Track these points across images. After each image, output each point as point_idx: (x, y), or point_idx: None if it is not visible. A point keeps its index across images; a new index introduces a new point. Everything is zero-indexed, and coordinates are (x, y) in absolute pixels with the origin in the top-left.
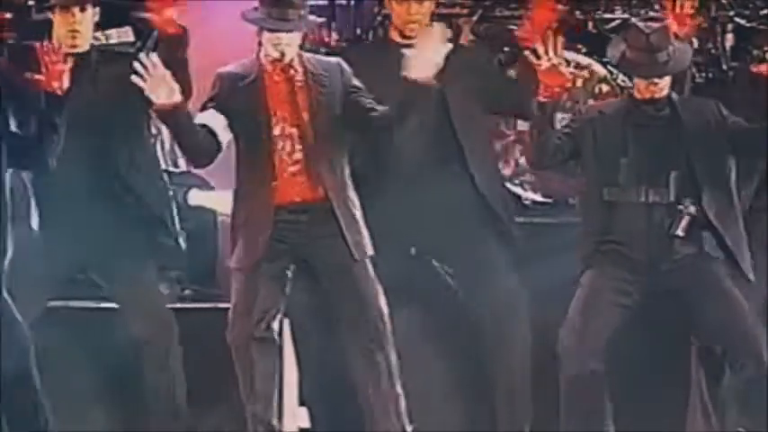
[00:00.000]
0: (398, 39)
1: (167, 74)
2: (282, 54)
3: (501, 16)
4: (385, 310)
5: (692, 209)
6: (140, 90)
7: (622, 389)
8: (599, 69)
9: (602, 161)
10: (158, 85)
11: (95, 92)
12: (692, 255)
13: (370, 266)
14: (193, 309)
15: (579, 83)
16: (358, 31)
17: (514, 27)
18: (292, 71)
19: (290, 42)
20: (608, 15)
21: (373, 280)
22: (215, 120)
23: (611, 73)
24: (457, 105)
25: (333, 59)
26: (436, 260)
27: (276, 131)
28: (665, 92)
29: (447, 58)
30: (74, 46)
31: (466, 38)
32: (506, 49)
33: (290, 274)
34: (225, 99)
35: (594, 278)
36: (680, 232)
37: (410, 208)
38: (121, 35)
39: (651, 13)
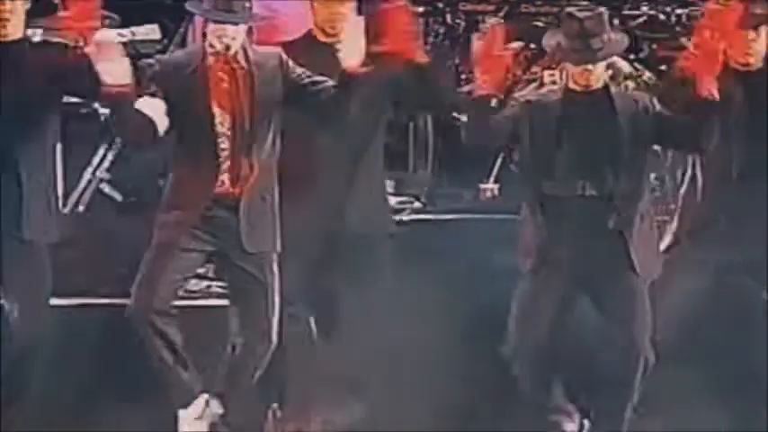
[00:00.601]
0: (323, 37)
1: (121, 53)
2: (227, 47)
3: (527, 13)
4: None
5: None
6: (62, 83)
7: None
8: (624, 66)
9: (538, 152)
10: (111, 65)
11: (18, 81)
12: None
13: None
14: None
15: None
16: None
17: (540, 23)
18: (235, 63)
19: (235, 35)
20: (634, 12)
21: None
22: (153, 106)
23: (636, 69)
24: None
25: (273, 50)
26: None
27: (215, 122)
28: (600, 82)
29: None
30: (3, 35)
31: None
32: (532, 45)
33: (203, 258)
34: (164, 86)
35: (534, 273)
36: (613, 225)
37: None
38: (149, 33)
39: (677, 10)
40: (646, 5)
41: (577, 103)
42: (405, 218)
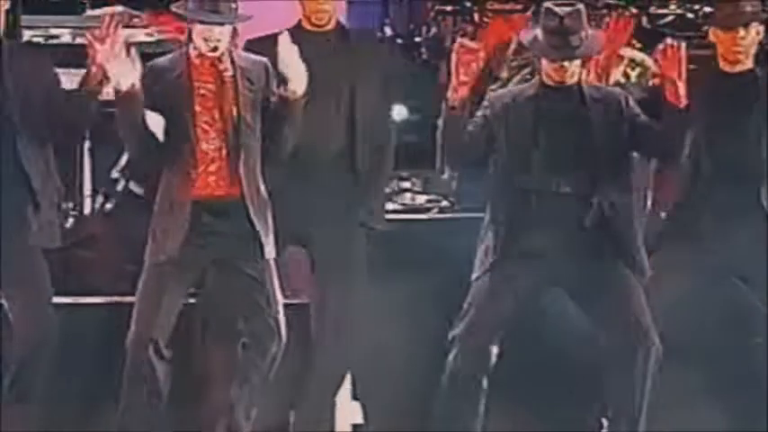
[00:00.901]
0: (309, 27)
1: (127, 53)
2: (214, 48)
3: None
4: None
5: (597, 200)
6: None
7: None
8: (653, 65)
9: (513, 149)
10: (119, 67)
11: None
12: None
13: (273, 267)
14: None
15: (633, 78)
16: (411, 26)
17: None
18: (222, 66)
19: (221, 37)
20: (662, 11)
21: (274, 279)
22: (154, 119)
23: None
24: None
25: (259, 58)
26: None
27: (200, 126)
28: (574, 78)
29: None
30: None
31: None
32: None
33: (201, 272)
34: (151, 92)
35: (498, 270)
36: (589, 223)
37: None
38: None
39: (705, 8)
40: (674, 4)
41: (551, 99)
42: (432, 216)
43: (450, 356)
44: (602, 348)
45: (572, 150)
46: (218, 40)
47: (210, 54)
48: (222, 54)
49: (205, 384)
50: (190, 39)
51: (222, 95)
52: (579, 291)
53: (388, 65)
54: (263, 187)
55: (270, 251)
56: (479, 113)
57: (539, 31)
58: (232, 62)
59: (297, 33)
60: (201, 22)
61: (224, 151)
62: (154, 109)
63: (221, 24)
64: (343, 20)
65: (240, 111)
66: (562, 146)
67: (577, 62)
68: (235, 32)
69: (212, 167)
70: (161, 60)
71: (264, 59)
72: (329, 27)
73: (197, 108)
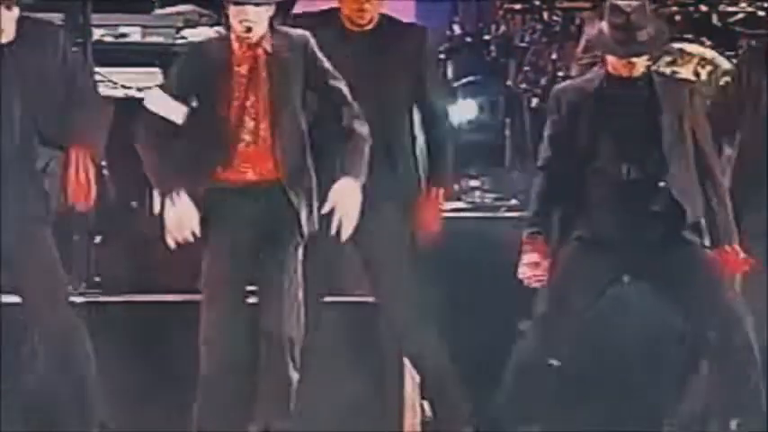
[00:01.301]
0: (351, 26)
1: None
2: (248, 30)
3: None
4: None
5: (663, 185)
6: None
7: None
8: (723, 63)
9: (583, 138)
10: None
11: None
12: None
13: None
14: None
15: (704, 76)
16: (480, 24)
17: None
18: (260, 49)
19: (257, 18)
20: (732, 8)
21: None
22: (166, 102)
23: (734, 65)
24: None
25: (300, 33)
26: None
27: (235, 109)
28: (641, 70)
29: None
30: None
31: (590, 32)
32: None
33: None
34: (191, 73)
35: (568, 262)
36: (661, 209)
37: None
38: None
39: None
40: (744, 2)
41: (619, 88)
42: (500, 215)
43: (522, 346)
44: (692, 339)
45: (642, 137)
46: (254, 22)
47: (245, 35)
48: (261, 36)
49: None
50: (228, 21)
51: (257, 79)
52: (657, 277)
53: (423, 65)
54: (307, 167)
55: (310, 231)
56: (550, 118)
57: (605, 27)
58: (271, 44)
59: (337, 32)
60: (236, 3)
61: (260, 135)
62: (191, 91)
63: (256, 5)
64: (411, 19)
65: (276, 95)
66: (630, 133)
67: (645, 57)
68: (279, 11)
69: (248, 151)
70: (205, 42)
71: (306, 33)
72: (370, 27)
73: (234, 92)
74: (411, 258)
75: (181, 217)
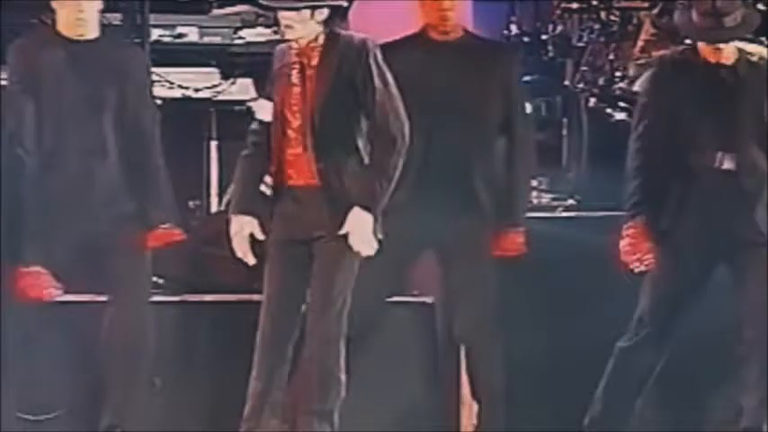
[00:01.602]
0: (436, 36)
1: None
2: (288, 30)
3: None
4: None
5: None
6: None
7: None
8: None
9: (674, 127)
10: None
11: (100, 77)
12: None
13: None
14: None
15: None
16: (538, 24)
17: None
18: (309, 54)
19: (291, 22)
20: None
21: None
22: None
23: None
24: None
25: (359, 38)
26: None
27: (286, 114)
28: (731, 60)
29: None
30: (80, 34)
31: (647, 31)
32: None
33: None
34: (270, 76)
35: (669, 249)
36: (752, 199)
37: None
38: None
39: None
40: None
41: (708, 77)
42: (558, 215)
43: (623, 344)
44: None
45: (734, 126)
46: (290, 27)
47: (287, 37)
48: (310, 42)
49: None
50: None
51: (305, 84)
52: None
53: (509, 78)
54: (350, 174)
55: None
56: (639, 115)
57: (693, 14)
58: (323, 49)
59: (423, 47)
60: (266, 8)
61: (306, 141)
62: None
63: (289, 10)
64: (468, 19)
65: (323, 103)
66: (724, 121)
67: (734, 43)
68: (333, 17)
69: (293, 156)
70: (282, 46)
71: (365, 39)
72: (455, 36)
73: (285, 97)
74: (488, 261)
75: (237, 241)
